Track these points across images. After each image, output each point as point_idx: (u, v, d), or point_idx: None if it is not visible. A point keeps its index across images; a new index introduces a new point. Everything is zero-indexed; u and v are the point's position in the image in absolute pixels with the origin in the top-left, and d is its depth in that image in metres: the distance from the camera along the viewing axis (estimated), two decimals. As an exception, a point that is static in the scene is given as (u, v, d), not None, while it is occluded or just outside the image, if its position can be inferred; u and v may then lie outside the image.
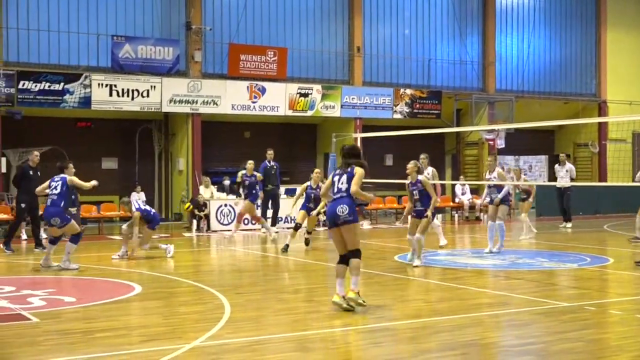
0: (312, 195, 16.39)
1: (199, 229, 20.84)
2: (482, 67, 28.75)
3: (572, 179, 21.78)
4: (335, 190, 9.41)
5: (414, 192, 13.48)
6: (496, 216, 15.20)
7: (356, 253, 9.24)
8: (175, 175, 24.96)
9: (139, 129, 25.03)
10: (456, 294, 10.73)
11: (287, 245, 15.78)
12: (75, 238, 13.13)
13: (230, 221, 21.01)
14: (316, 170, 17.23)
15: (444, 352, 7.39)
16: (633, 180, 30.15)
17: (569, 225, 21.83)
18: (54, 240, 13.34)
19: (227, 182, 23.20)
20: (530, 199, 19.24)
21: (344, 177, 9.40)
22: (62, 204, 13.03)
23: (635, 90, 30.97)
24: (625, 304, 10.04)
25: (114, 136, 24.93)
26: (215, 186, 22.71)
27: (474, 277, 12.49)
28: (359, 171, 9.35)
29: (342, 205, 9.19)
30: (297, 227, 16.33)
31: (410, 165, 13.53)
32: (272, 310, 9.52)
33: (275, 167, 20.17)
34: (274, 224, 19.97)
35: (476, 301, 10.17)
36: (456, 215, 25.72)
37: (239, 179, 19.04)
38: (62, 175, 13.34)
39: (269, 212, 20.11)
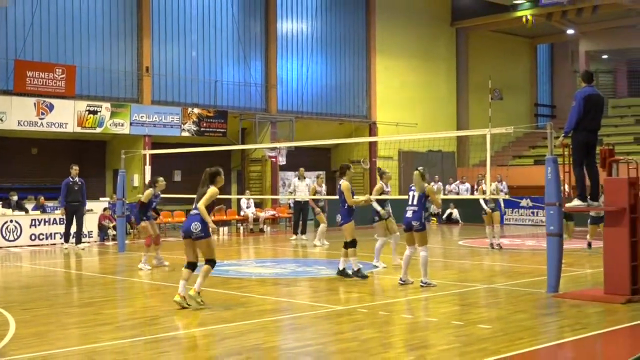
0: None
1: (-18, 246, 19.57)
2: (265, 89, 29.20)
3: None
4: (194, 206, 10.32)
5: None
6: None
7: (211, 262, 10.21)
8: (-44, 191, 23.26)
9: None
10: (240, 302, 10.80)
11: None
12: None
13: (16, 237, 19.97)
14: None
15: (229, 358, 7.42)
16: (399, 193, 31.86)
17: (305, 237, 21.87)
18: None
19: (14, 198, 21.90)
20: None
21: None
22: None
23: (401, 112, 32.61)
24: (393, 305, 10.54)
25: None
26: (0, 202, 21.41)
27: (258, 285, 12.64)
28: (210, 191, 10.23)
29: (195, 223, 10.07)
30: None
31: None
32: (59, 325, 9.12)
33: (79, 183, 19.42)
34: (79, 241, 19.29)
35: (259, 308, 10.29)
36: (241, 228, 25.97)
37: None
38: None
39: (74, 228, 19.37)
